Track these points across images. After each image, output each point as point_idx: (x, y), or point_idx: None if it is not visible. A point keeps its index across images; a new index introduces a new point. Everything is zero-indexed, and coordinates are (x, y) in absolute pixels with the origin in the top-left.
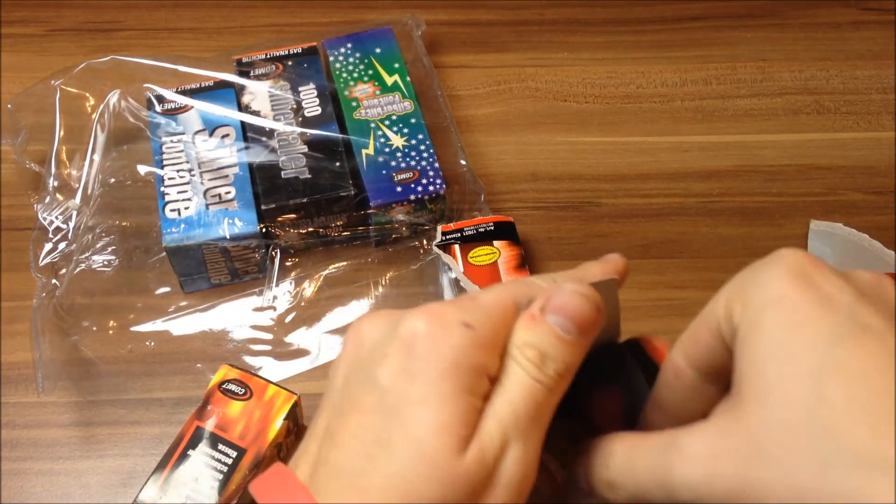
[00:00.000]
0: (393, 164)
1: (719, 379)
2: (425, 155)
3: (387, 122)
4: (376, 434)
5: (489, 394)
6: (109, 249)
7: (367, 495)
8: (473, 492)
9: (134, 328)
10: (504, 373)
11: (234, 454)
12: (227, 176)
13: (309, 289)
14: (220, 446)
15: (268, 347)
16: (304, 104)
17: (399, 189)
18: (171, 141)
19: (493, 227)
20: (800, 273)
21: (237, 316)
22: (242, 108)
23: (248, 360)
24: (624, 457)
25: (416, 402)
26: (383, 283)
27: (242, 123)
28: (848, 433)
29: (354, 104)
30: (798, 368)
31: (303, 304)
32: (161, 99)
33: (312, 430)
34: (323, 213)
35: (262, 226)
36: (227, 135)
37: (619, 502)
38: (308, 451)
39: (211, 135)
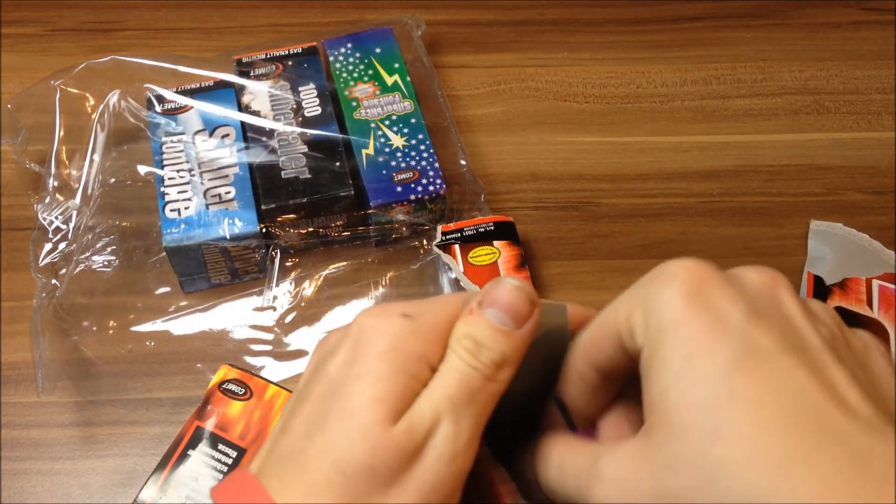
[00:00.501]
0: (393, 164)
1: (622, 376)
2: (425, 155)
3: (387, 122)
4: (318, 414)
5: (428, 381)
6: (109, 249)
7: (306, 468)
8: (401, 462)
9: (134, 328)
10: (443, 362)
11: (235, 454)
12: (227, 176)
13: (309, 289)
14: (220, 446)
15: (268, 347)
16: (304, 104)
17: (399, 189)
18: (171, 141)
19: (493, 227)
20: (693, 293)
21: (237, 316)
22: (242, 108)
23: (248, 360)
24: (556, 462)
25: (353, 379)
26: (383, 283)
27: (242, 123)
28: (740, 472)
29: (354, 104)
30: (695, 401)
31: (303, 304)
32: (161, 99)
33: (271, 431)
34: (323, 213)
35: (262, 226)
36: (227, 135)
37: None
38: (263, 447)
39: (211, 135)
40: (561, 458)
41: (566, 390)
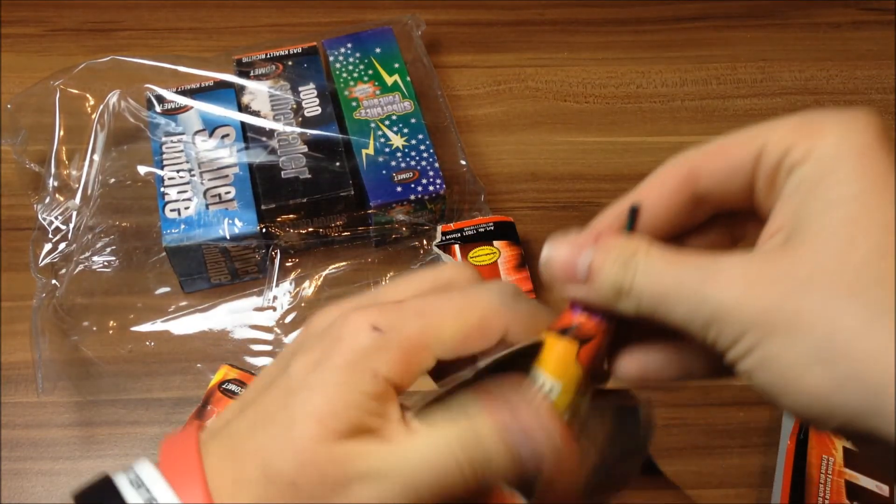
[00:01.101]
0: (393, 164)
1: (707, 209)
2: (425, 155)
3: (387, 122)
4: (267, 412)
5: (389, 396)
6: (109, 250)
7: (242, 460)
8: (324, 487)
9: (134, 328)
10: (435, 428)
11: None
12: (227, 176)
13: (309, 289)
14: None
15: (268, 347)
16: (304, 104)
17: (399, 189)
18: (171, 141)
19: (493, 227)
20: (884, 131)
21: (237, 316)
22: (242, 108)
23: (248, 360)
24: (651, 261)
25: (305, 388)
26: (383, 283)
27: (242, 123)
28: None
29: (354, 104)
30: (870, 220)
31: (303, 304)
32: (161, 99)
33: (242, 396)
34: (323, 213)
35: (262, 226)
36: (227, 135)
37: (621, 310)
38: (223, 415)
39: (211, 135)
40: (656, 258)
41: (650, 199)
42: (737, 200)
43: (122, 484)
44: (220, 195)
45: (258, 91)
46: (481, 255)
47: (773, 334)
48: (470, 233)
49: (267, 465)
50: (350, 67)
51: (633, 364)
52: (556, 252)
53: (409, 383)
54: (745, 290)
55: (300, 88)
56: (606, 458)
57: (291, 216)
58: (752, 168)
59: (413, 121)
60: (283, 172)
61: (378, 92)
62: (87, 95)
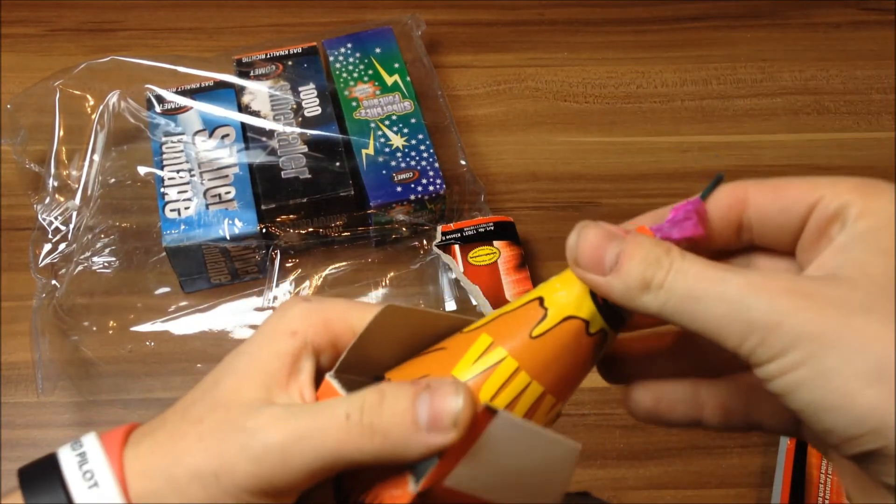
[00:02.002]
0: (393, 164)
1: (734, 238)
2: (425, 155)
3: (387, 122)
4: (197, 400)
5: (304, 355)
6: (109, 250)
7: (164, 419)
8: (221, 429)
9: (134, 328)
10: (328, 405)
11: None
12: (227, 176)
13: (309, 289)
14: None
15: None
16: (304, 104)
17: (399, 189)
18: (171, 141)
19: (493, 227)
20: None
21: (237, 316)
22: (242, 108)
23: None
24: (690, 260)
25: (237, 353)
26: (383, 283)
27: (242, 123)
28: None
29: (354, 104)
30: None
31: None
32: (161, 99)
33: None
34: (323, 213)
35: (262, 226)
36: (226, 135)
37: (640, 306)
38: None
39: (211, 135)
40: (694, 260)
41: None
42: (777, 238)
43: (65, 453)
44: (220, 195)
45: (258, 91)
46: (481, 255)
47: (829, 350)
48: (470, 233)
49: (186, 409)
50: (350, 67)
51: (648, 396)
52: (587, 236)
53: (330, 349)
54: (797, 304)
55: (300, 88)
56: None
57: (291, 216)
58: (806, 213)
59: (413, 121)
60: (283, 172)
61: (378, 92)
62: (87, 95)
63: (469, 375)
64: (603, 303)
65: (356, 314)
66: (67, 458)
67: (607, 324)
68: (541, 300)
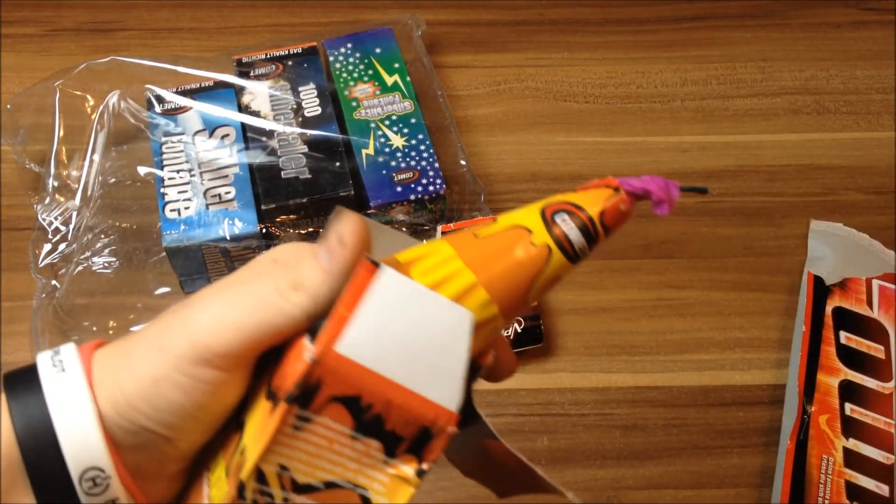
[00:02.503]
0: (393, 164)
1: None
2: (425, 155)
3: (387, 122)
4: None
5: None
6: (109, 250)
7: (136, 338)
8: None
9: (134, 328)
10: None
11: None
12: (227, 176)
13: None
14: None
15: None
16: (304, 104)
17: (399, 189)
18: (171, 141)
19: None
20: None
21: None
22: (242, 108)
23: None
24: None
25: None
26: None
27: (242, 124)
28: None
29: (354, 104)
30: None
31: None
32: (161, 99)
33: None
34: (323, 213)
35: (262, 226)
36: (226, 135)
37: None
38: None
39: (211, 135)
40: None
41: None
42: None
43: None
44: (220, 195)
45: (258, 91)
46: None
47: None
48: None
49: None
50: (350, 67)
51: None
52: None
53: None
54: None
55: (300, 88)
56: None
57: (291, 216)
58: None
59: (413, 121)
60: (283, 172)
61: (378, 92)
62: (87, 96)
63: (409, 257)
64: (550, 218)
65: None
66: (43, 355)
67: (554, 243)
68: (494, 218)
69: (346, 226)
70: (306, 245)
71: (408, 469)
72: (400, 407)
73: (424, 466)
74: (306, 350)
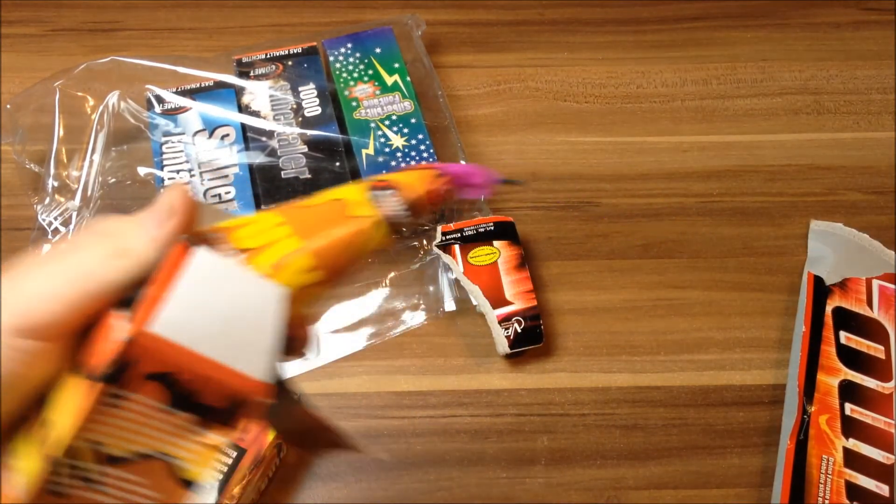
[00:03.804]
0: (393, 164)
1: None
2: (425, 155)
3: (387, 122)
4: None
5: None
6: None
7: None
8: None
9: None
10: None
11: (235, 454)
12: (227, 176)
13: None
14: None
15: None
16: (304, 104)
17: None
18: (171, 141)
19: (493, 227)
20: None
21: None
22: (242, 108)
23: None
24: None
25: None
26: (383, 283)
27: (242, 124)
28: None
29: (354, 104)
30: None
31: None
32: (161, 99)
33: None
34: None
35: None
36: (226, 135)
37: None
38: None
39: (211, 135)
40: None
41: None
42: None
43: None
44: (220, 195)
45: (258, 91)
46: (481, 254)
47: None
48: (470, 233)
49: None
50: (350, 67)
51: None
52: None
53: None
54: None
55: (300, 88)
56: None
57: None
58: None
59: (413, 121)
60: (283, 172)
61: (378, 92)
62: (87, 96)
63: (236, 223)
64: (379, 194)
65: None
66: None
67: (383, 216)
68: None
69: (175, 197)
70: (128, 216)
71: (220, 438)
72: (214, 381)
73: (238, 436)
74: (118, 329)
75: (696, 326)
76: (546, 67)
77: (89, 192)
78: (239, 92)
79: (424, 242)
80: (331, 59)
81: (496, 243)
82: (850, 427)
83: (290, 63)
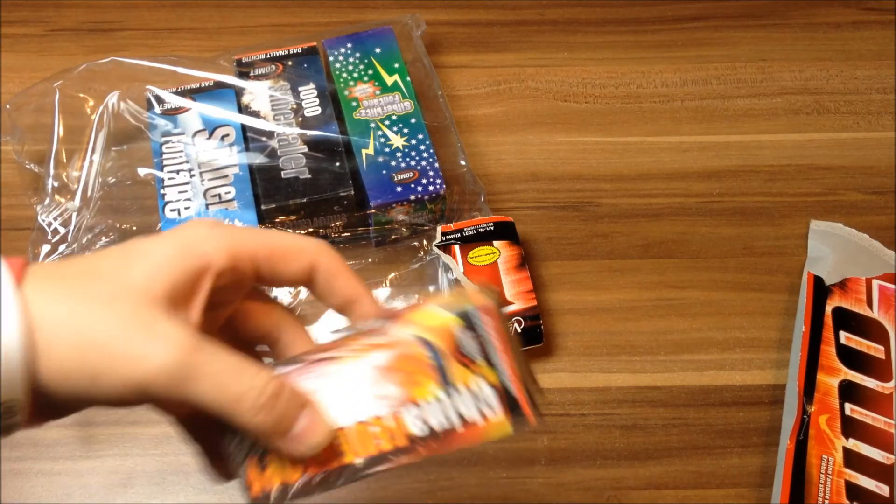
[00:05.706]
0: (393, 164)
1: None
2: (425, 155)
3: (387, 122)
4: (103, 260)
5: (205, 275)
6: None
7: (68, 273)
8: (119, 334)
9: None
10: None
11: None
12: (226, 176)
13: None
14: None
15: (267, 349)
16: (304, 104)
17: (399, 189)
18: (171, 141)
19: (493, 227)
20: None
21: None
22: (242, 108)
23: None
24: None
25: (140, 252)
26: (384, 283)
27: (242, 124)
28: None
29: (354, 104)
30: None
31: (303, 303)
32: (160, 100)
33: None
34: (323, 213)
35: (262, 226)
36: (226, 135)
37: None
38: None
39: (211, 135)
40: None
41: None
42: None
43: None
44: (220, 195)
45: (258, 91)
46: (481, 255)
47: None
48: (470, 233)
49: (96, 271)
50: (350, 67)
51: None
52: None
53: (231, 270)
54: None
55: (300, 89)
56: None
57: (291, 216)
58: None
59: (413, 121)
60: (283, 173)
61: (378, 92)
62: (87, 96)
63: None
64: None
65: (260, 239)
66: None
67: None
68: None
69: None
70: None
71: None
72: None
73: None
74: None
75: (695, 326)
76: (546, 67)
77: (89, 193)
78: (239, 92)
79: (424, 242)
80: (331, 59)
81: (496, 243)
82: (850, 427)
83: (290, 63)
